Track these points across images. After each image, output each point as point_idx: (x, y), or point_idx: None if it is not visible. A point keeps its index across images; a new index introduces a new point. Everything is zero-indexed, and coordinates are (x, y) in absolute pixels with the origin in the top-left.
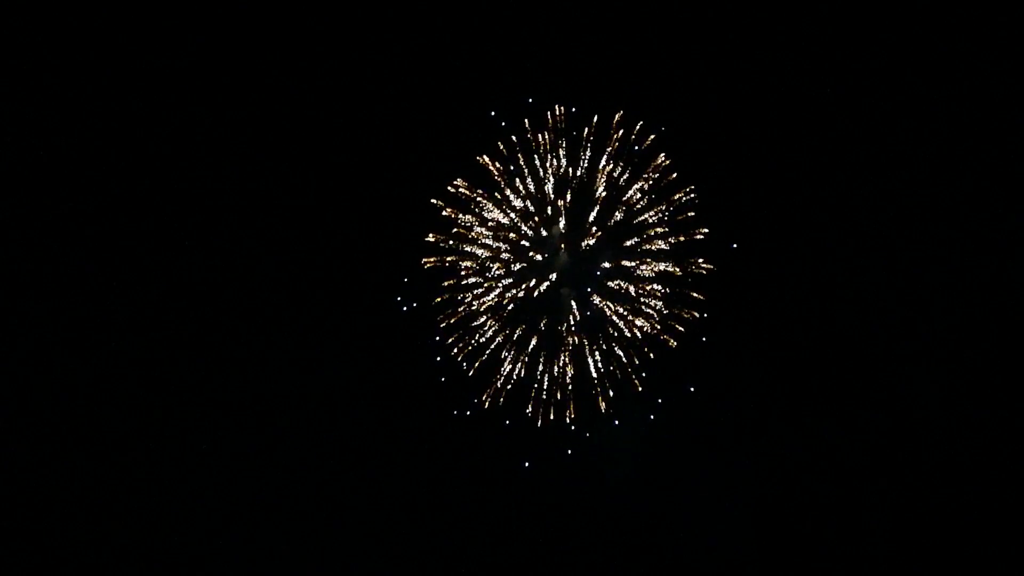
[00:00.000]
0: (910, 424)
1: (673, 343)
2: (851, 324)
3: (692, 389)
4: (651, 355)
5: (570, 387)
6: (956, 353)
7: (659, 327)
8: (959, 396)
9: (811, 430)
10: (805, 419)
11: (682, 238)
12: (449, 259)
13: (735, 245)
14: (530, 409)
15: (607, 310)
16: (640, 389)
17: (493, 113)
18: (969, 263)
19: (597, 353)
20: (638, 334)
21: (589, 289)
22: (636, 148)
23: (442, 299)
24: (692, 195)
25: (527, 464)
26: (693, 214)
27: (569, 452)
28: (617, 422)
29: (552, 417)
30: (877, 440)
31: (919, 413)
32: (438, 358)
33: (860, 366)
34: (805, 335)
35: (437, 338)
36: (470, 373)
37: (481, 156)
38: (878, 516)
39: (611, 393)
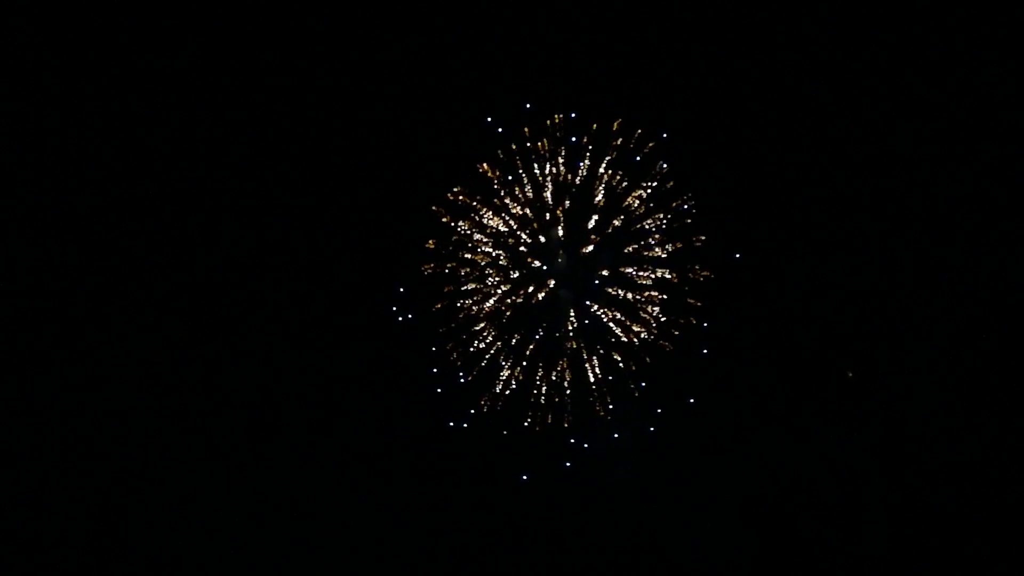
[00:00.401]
0: (908, 429)
1: (670, 348)
2: (849, 330)
3: (692, 401)
4: (648, 361)
5: (568, 392)
6: (956, 363)
7: (657, 333)
8: (960, 406)
9: (810, 436)
10: (803, 425)
11: (680, 245)
12: (448, 266)
13: (737, 255)
14: (529, 416)
15: (605, 316)
16: (637, 395)
17: (489, 119)
18: (975, 279)
19: (595, 359)
20: (636, 340)
21: (587, 296)
22: (637, 159)
23: (441, 305)
24: (690, 202)
25: (524, 477)
26: (691, 221)
27: (568, 465)
28: (616, 434)
29: (550, 422)
30: (875, 446)
31: (917, 418)
32: (435, 367)
33: (859, 372)
34: (803, 341)
35: (434, 347)
36: (468, 379)
37: (480, 163)
38: (875, 521)
39: (609, 399)
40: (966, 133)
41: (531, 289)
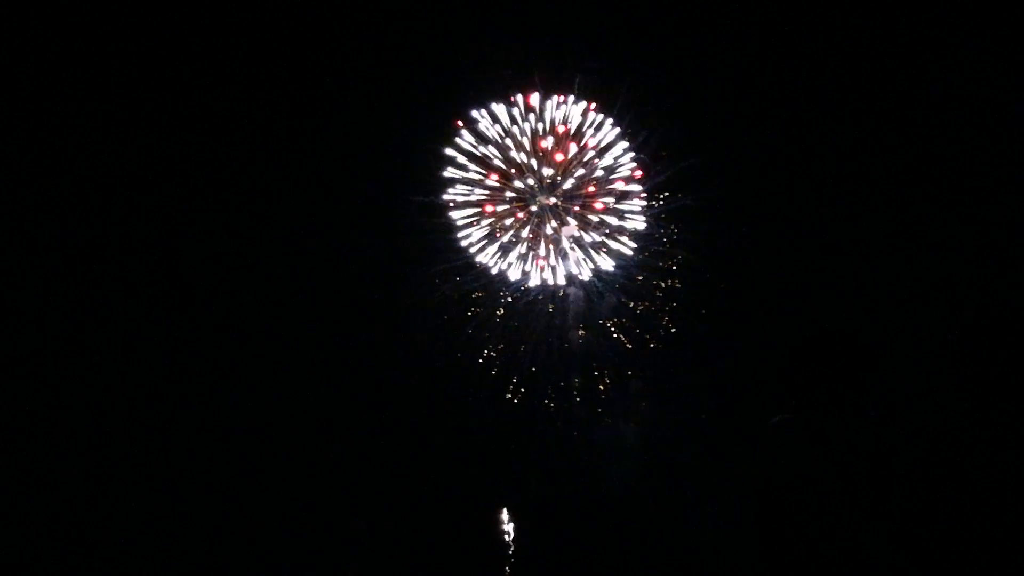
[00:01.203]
0: (909, 428)
1: (675, 349)
2: (854, 328)
3: (703, 416)
4: (655, 368)
5: (577, 397)
6: (961, 367)
7: (664, 341)
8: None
9: (817, 441)
10: (811, 430)
11: (688, 253)
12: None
13: (745, 263)
14: (534, 425)
15: (612, 325)
16: (644, 404)
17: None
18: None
19: (603, 366)
20: (643, 348)
21: (594, 303)
22: (640, 153)
23: (448, 316)
24: (698, 210)
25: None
26: (698, 229)
27: (571, 473)
28: (621, 441)
29: (553, 426)
30: (881, 443)
31: (919, 418)
32: (438, 371)
33: (865, 370)
34: (810, 339)
35: (437, 353)
36: (472, 389)
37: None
38: (880, 520)
39: (615, 406)
40: (974, 141)
41: (536, 293)
